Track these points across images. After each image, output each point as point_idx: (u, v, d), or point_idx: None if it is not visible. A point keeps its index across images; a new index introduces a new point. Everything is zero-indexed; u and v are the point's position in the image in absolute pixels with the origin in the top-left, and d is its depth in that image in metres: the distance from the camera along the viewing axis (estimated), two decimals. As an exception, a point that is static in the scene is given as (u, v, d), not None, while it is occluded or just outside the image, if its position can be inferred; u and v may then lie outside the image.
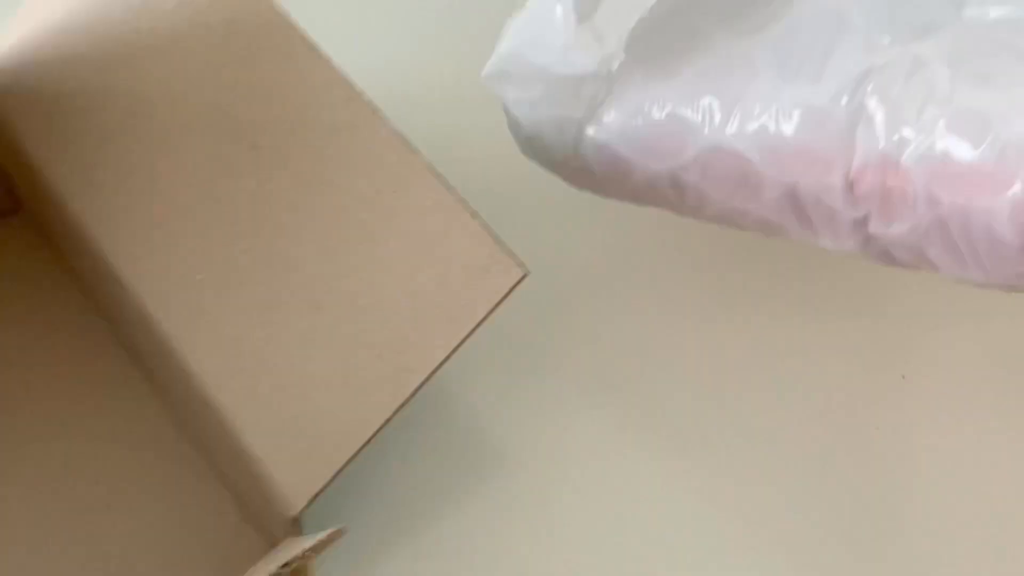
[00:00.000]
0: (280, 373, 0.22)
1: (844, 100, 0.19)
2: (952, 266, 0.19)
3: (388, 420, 0.21)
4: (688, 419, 0.27)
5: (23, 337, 0.28)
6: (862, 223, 0.20)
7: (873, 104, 0.19)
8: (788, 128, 0.20)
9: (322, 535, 0.20)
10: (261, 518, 0.25)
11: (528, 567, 0.26)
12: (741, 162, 0.21)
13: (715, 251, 0.29)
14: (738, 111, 0.21)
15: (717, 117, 0.21)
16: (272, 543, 0.24)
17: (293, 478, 0.22)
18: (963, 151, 0.18)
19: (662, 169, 0.23)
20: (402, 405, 0.21)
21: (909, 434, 0.27)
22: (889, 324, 0.28)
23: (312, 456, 0.22)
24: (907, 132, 0.19)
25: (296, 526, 0.22)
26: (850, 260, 0.22)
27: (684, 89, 0.22)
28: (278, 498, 0.22)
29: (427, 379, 0.21)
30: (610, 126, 0.23)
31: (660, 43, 0.23)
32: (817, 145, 0.20)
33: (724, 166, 0.21)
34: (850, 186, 0.19)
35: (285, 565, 0.19)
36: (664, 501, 0.26)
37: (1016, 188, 0.17)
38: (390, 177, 0.23)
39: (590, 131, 0.24)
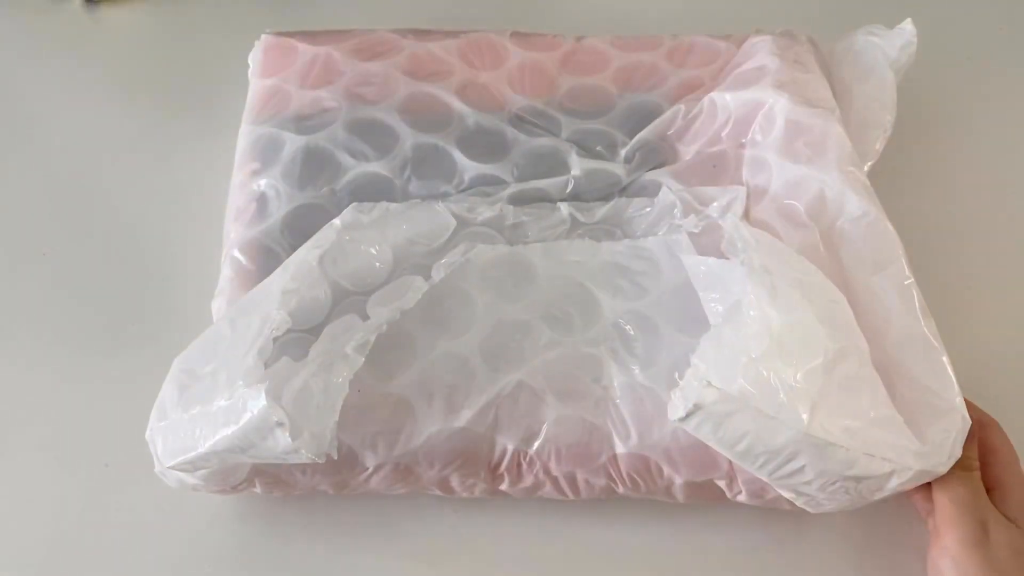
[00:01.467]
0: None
1: (484, 420, 0.29)
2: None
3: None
4: None
5: None
6: (499, 483, 0.30)
7: (503, 416, 0.29)
8: (451, 443, 0.29)
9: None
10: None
11: None
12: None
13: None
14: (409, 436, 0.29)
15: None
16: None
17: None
18: (566, 437, 0.29)
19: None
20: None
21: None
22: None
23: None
24: (530, 431, 0.29)
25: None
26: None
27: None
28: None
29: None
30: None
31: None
32: (468, 447, 0.29)
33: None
34: (494, 469, 0.30)
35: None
36: None
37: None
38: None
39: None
